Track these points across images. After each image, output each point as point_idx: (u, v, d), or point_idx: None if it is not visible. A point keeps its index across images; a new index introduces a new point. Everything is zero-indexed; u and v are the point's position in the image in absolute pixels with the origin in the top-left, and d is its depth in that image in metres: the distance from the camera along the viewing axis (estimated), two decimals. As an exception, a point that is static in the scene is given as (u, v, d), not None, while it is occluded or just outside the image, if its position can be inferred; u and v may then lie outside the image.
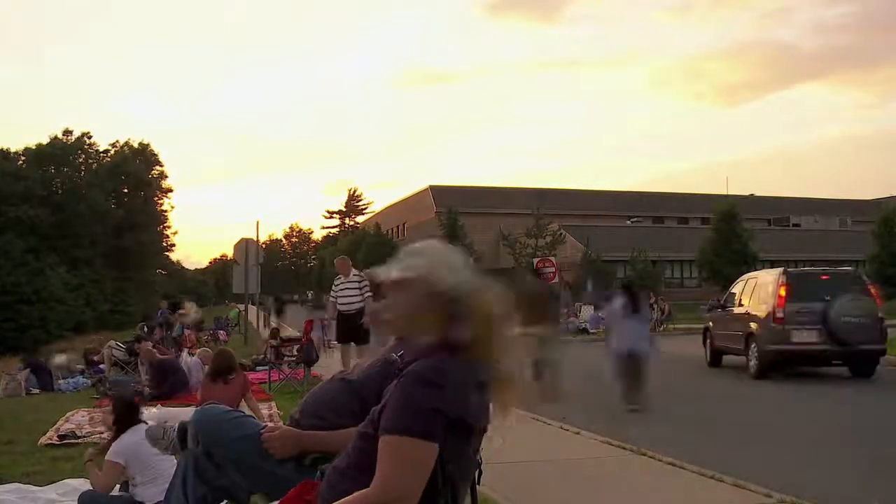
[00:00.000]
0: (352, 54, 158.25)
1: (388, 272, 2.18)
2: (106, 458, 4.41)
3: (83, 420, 8.53)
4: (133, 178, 59.54)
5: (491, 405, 2.12)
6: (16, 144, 64.23)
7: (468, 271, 2.16)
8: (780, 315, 12.62)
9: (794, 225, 59.21)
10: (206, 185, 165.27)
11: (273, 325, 21.74)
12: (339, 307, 11.24)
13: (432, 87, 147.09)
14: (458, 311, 2.07)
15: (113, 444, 4.44)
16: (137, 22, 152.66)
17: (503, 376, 2.11)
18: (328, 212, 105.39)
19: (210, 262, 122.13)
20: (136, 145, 62.13)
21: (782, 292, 12.69)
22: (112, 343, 15.66)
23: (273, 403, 9.32)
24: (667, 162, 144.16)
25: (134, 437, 4.34)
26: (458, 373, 2.01)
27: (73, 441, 6.95)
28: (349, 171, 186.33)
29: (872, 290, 13.14)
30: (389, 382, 2.12)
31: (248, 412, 7.94)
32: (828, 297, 12.40)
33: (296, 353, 11.88)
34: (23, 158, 54.54)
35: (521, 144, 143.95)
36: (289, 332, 17.58)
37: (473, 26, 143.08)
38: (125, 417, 4.53)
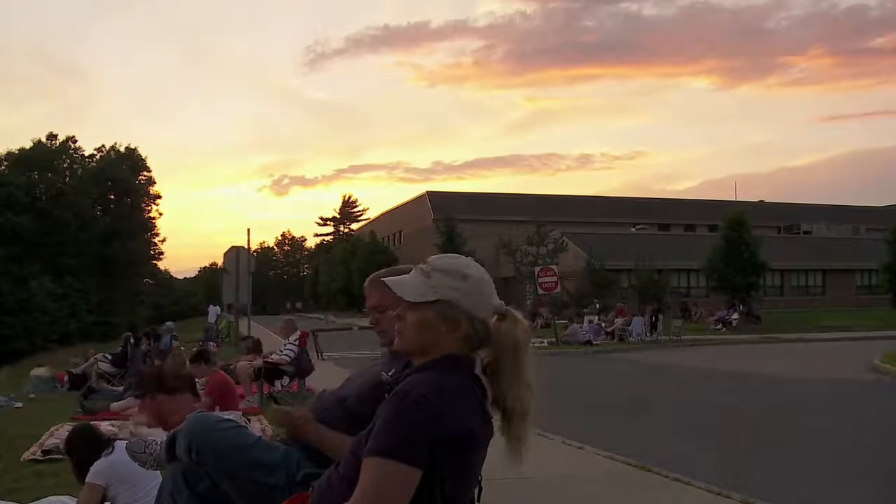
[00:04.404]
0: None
1: (407, 288, 2.10)
2: (86, 480, 4.22)
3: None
4: (119, 183, 58.50)
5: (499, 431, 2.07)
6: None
7: (491, 292, 2.11)
8: None
9: (805, 232, 58.11)
10: (197, 190, 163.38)
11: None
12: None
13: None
14: (476, 334, 2.05)
15: (93, 465, 4.22)
16: (130, 22, 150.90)
17: (517, 408, 2.03)
18: (321, 219, 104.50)
19: (199, 271, 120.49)
20: (122, 150, 60.92)
21: None
22: (99, 356, 15.50)
23: (262, 417, 9.13)
24: (671, 165, 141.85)
25: (112, 456, 4.24)
26: (451, 391, 1.95)
27: (57, 456, 6.74)
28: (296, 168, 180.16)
29: None
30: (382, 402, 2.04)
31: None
32: None
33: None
34: (5, 163, 53.46)
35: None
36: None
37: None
38: (87, 452, 4.31)
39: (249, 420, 8.62)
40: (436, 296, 2.06)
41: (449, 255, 2.25)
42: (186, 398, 7.85)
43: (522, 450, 2.07)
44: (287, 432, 2.72)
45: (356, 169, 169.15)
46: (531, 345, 2.10)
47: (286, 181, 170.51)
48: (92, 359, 15.40)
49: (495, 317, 2.10)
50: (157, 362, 12.83)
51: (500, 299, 2.13)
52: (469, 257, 2.23)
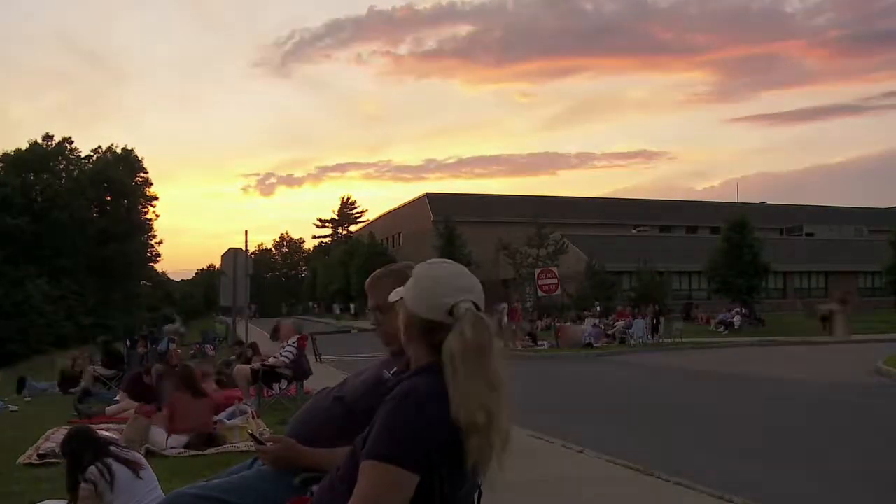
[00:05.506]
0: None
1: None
2: (83, 482, 4.30)
3: (64, 439, 7.91)
4: (116, 185, 58.10)
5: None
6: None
7: (439, 292, 2.01)
8: None
9: (808, 234, 57.76)
10: (194, 191, 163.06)
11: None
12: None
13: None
14: (422, 334, 2.03)
15: (89, 466, 4.29)
16: (124, 23, 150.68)
17: (477, 420, 1.83)
18: (320, 220, 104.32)
19: (197, 273, 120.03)
20: (119, 151, 60.61)
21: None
22: (96, 358, 15.34)
23: (261, 421, 9.03)
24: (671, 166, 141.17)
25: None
26: (447, 394, 1.88)
27: (53, 460, 6.71)
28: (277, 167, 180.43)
29: None
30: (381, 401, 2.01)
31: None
32: None
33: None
34: (1, 165, 53.01)
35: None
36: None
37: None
38: (84, 451, 4.38)
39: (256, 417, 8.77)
40: (396, 297, 2.14)
41: (434, 259, 2.21)
42: (189, 401, 7.76)
43: (502, 458, 1.89)
44: (271, 466, 2.61)
45: (342, 168, 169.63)
46: (489, 347, 1.91)
47: (272, 180, 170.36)
48: (88, 361, 15.32)
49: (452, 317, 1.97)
50: (155, 366, 12.65)
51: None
52: (449, 260, 2.19)
